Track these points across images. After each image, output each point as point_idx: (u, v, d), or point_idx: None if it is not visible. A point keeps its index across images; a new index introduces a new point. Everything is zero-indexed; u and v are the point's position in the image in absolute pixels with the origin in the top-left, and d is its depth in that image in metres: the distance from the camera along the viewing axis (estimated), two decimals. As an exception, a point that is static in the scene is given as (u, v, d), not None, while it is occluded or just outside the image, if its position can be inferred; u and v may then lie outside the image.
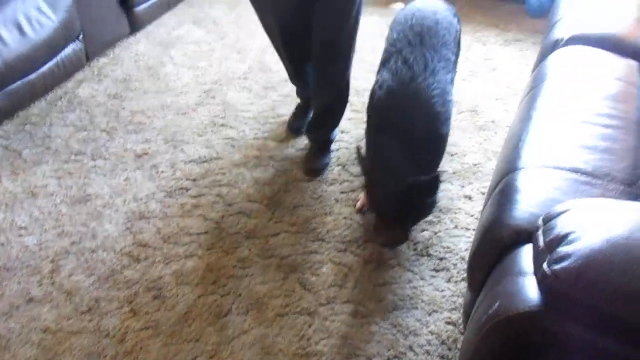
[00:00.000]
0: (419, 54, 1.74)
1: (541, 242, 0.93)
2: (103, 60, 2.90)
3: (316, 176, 2.18)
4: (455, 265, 1.81)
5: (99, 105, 2.57)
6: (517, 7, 3.26)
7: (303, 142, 2.33)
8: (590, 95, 1.54)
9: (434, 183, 1.61)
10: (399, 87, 1.69)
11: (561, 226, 0.93)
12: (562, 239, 0.89)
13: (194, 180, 2.15)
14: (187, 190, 2.10)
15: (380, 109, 1.74)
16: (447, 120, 1.73)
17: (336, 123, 2.25)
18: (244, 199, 2.07)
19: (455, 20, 1.98)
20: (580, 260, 0.83)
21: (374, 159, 1.71)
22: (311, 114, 2.30)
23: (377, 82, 1.81)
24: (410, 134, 1.65)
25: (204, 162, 2.24)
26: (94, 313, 1.67)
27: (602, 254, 0.83)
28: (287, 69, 2.29)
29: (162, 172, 2.19)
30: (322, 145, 2.25)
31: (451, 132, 2.32)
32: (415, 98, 1.66)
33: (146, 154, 2.28)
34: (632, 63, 1.71)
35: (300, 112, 2.42)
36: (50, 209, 2.02)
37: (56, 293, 1.73)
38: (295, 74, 2.27)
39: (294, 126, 2.40)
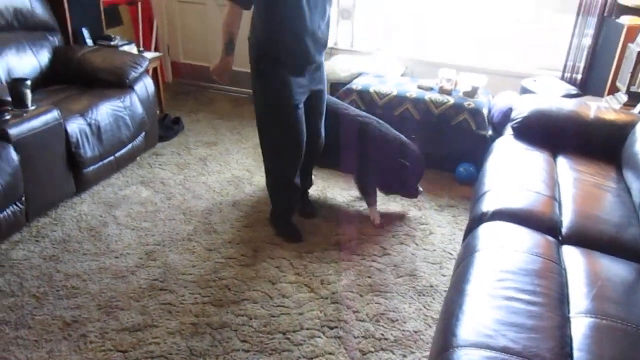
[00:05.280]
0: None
1: None
2: (43, 220, 2.85)
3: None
4: None
5: (32, 268, 2.47)
6: (448, 175, 3.55)
7: (241, 308, 2.29)
8: (515, 271, 1.63)
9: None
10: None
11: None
12: None
13: (124, 351, 2.02)
14: (116, 363, 1.97)
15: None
16: None
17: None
18: (176, 372, 1.95)
19: None
20: None
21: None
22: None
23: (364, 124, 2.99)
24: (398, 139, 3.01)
25: (137, 330, 2.14)
26: None
27: None
28: (289, 170, 2.75)
29: (91, 342, 2.06)
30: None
31: (391, 296, 2.36)
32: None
33: (75, 321, 2.16)
34: (551, 239, 1.85)
35: (298, 198, 2.98)
36: (-42, 387, 1.83)
37: None
38: (296, 169, 2.77)
39: (308, 209, 3.08)
